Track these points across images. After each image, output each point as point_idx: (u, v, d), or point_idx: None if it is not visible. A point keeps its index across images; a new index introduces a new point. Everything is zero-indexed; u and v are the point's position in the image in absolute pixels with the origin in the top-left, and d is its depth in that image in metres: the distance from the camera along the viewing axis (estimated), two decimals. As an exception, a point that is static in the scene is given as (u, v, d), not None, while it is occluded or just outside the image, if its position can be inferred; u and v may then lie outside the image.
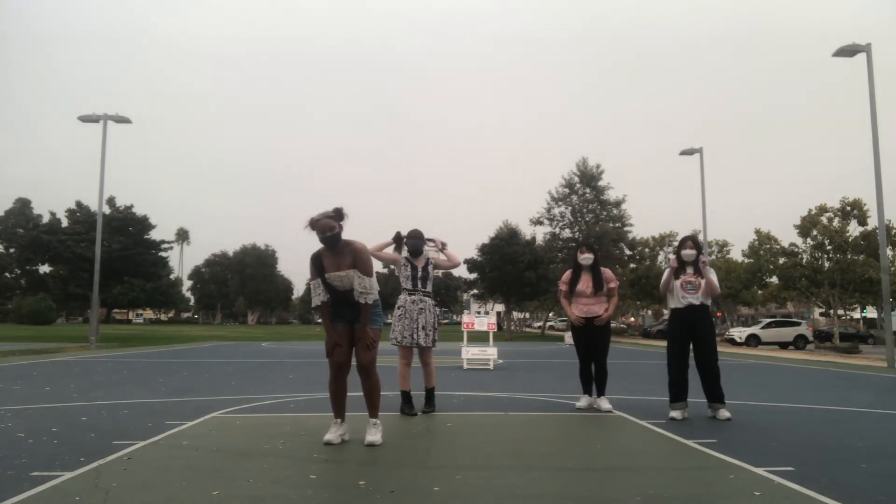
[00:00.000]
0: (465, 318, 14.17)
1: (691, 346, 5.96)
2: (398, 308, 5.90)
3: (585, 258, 6.29)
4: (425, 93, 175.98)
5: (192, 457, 4.08)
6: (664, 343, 6.11)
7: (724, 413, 5.71)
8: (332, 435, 4.47)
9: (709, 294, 5.93)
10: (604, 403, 6.16)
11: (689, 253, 5.97)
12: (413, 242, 5.99)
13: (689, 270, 5.97)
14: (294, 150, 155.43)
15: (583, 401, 6.33)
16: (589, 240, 35.32)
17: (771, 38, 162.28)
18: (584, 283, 6.23)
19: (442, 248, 6.26)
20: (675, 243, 47.90)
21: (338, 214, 4.37)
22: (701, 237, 27.19)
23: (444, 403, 6.71)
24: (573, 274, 6.35)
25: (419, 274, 5.89)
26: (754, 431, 5.19)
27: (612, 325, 6.42)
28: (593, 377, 6.28)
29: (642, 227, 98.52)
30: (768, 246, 37.62)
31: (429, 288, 5.95)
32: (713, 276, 5.95)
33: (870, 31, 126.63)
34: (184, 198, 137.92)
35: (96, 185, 21.64)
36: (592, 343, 6.24)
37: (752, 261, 39.77)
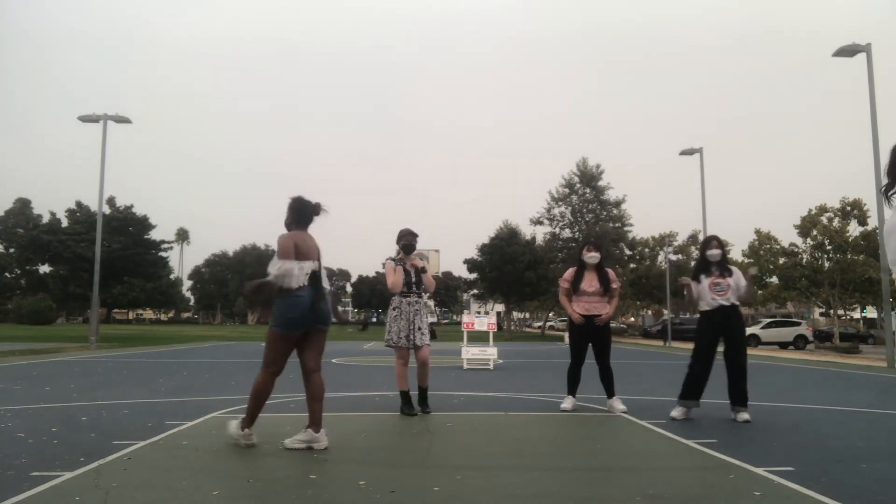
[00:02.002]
0: (465, 318, 14.16)
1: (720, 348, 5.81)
2: (393, 309, 5.94)
3: (592, 256, 6.23)
4: (425, 93, 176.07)
5: (192, 457, 4.08)
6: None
7: (743, 415, 5.58)
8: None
9: (739, 296, 5.80)
10: (617, 404, 6.11)
11: (714, 253, 5.88)
12: (406, 240, 6.04)
13: (715, 271, 5.85)
14: (294, 150, 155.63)
15: (567, 402, 6.25)
16: (594, 238, 35.31)
17: (771, 38, 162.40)
18: (589, 282, 6.17)
19: (422, 269, 6.13)
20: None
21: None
22: (701, 237, 27.22)
23: (444, 403, 6.72)
24: (576, 272, 6.29)
25: (412, 279, 5.96)
26: (754, 431, 5.19)
27: (612, 325, 6.39)
28: (600, 379, 6.23)
29: (642, 227, 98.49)
30: (768, 246, 37.64)
31: (422, 289, 6.04)
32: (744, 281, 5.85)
33: (870, 32, 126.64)
34: (184, 198, 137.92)
35: (96, 185, 21.64)
36: (595, 344, 6.20)
37: (752, 261, 39.76)
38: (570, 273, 6.35)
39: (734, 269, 5.95)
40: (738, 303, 5.80)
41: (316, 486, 3.39)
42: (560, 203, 43.82)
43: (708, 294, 5.80)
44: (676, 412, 5.69)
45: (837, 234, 33.55)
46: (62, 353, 16.51)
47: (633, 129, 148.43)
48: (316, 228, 4.45)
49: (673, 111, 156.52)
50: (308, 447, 4.25)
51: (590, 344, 6.23)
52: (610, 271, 6.36)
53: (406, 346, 5.86)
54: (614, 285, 6.24)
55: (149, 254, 68.13)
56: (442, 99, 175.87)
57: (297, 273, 4.07)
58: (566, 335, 7.16)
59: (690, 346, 6.05)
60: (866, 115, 16.59)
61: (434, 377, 10.16)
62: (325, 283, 4.32)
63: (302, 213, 4.34)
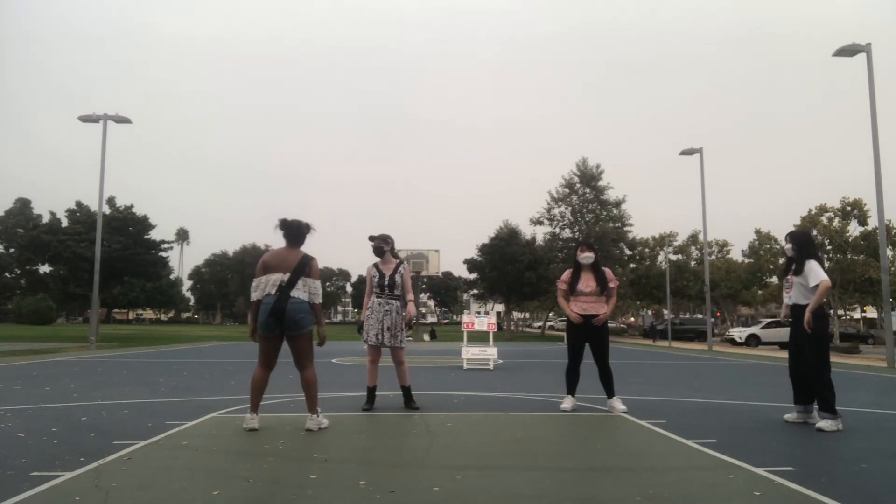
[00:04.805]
0: (465, 318, 14.15)
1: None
2: (367, 309, 6.24)
3: (586, 257, 6.27)
4: (426, 93, 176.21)
5: (192, 457, 4.08)
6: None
7: (819, 423, 5.24)
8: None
9: (808, 293, 5.41)
10: (617, 404, 6.13)
11: (788, 247, 5.74)
12: (375, 243, 6.31)
13: (793, 267, 5.66)
14: (294, 150, 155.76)
15: (567, 402, 6.26)
16: (588, 239, 35.31)
17: (772, 38, 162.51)
18: (586, 283, 6.20)
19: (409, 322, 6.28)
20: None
21: None
22: (701, 237, 27.23)
23: (444, 403, 6.72)
24: (573, 273, 6.33)
25: (386, 281, 6.19)
26: (754, 431, 5.19)
27: (612, 325, 6.37)
28: (600, 379, 6.23)
29: (642, 227, 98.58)
30: (768, 246, 37.71)
31: (396, 292, 6.21)
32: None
33: (870, 32, 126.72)
34: (184, 198, 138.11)
35: (96, 185, 21.63)
36: (593, 344, 6.21)
37: (752, 261, 39.79)
38: (566, 275, 6.40)
39: (810, 264, 5.45)
40: (802, 303, 5.45)
41: (316, 486, 3.39)
42: (560, 203, 43.74)
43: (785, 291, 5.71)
44: (789, 416, 5.61)
45: (837, 234, 33.56)
46: (62, 353, 16.50)
47: (633, 129, 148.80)
48: (312, 235, 5.14)
49: (673, 111, 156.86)
50: (320, 429, 4.92)
51: (588, 344, 6.23)
52: (607, 270, 6.37)
53: (375, 344, 6.11)
54: (612, 284, 6.25)
55: (149, 254, 67.87)
56: (442, 98, 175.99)
57: (261, 285, 4.87)
58: (565, 335, 7.15)
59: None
60: (866, 115, 16.61)
61: (434, 377, 10.19)
62: (299, 293, 4.84)
63: (286, 232, 5.05)
